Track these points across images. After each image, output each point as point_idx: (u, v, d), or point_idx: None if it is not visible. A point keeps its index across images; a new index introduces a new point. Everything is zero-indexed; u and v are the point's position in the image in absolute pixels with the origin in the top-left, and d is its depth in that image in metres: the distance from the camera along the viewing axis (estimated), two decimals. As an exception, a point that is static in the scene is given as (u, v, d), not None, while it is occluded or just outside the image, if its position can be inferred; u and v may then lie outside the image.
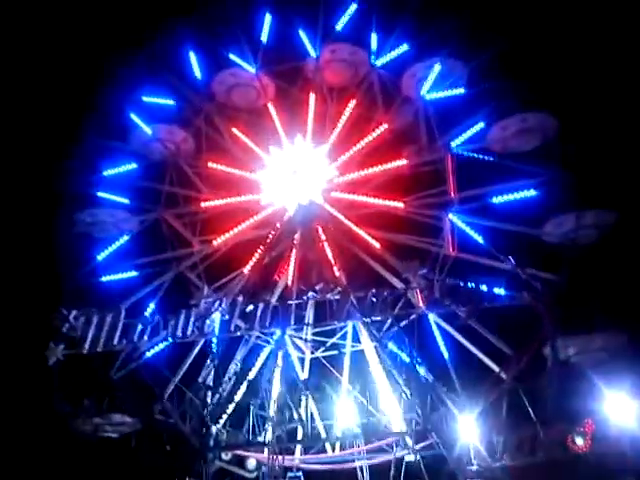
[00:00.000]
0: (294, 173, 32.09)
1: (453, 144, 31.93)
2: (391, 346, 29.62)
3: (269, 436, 27.72)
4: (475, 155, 31.45)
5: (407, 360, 28.60)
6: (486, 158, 31.20)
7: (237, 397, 29.79)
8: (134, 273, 31.97)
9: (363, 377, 30.18)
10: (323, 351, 31.40)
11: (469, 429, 26.78)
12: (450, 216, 30.85)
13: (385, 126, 32.88)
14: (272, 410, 28.08)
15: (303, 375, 30.92)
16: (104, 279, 31.58)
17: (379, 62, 33.83)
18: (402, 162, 32.09)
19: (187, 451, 28.08)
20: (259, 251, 31.79)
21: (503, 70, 31.76)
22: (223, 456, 29.29)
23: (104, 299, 30.26)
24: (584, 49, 36.30)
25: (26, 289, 32.18)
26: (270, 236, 32.02)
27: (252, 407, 28.94)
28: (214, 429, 28.42)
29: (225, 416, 29.02)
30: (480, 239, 30.36)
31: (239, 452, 29.56)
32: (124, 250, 32.37)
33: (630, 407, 25.55)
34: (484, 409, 27.49)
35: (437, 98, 32.93)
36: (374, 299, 27.64)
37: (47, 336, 27.32)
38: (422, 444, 28.17)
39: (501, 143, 31.29)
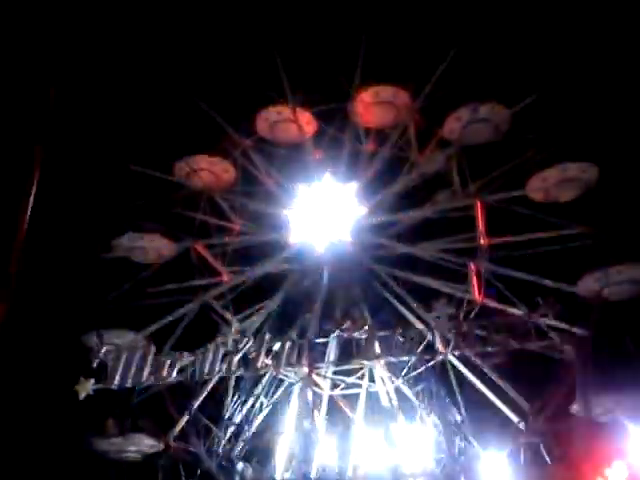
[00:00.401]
0: (324, 211, 32.43)
1: (485, 191, 32.12)
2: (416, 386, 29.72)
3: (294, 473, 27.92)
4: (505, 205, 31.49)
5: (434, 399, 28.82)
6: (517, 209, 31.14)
7: (263, 433, 30.26)
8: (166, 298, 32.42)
9: (386, 417, 29.96)
10: (343, 389, 31.50)
11: (497, 471, 26.62)
12: (477, 263, 30.86)
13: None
14: (297, 447, 28.27)
15: (321, 413, 30.92)
16: (134, 303, 32.02)
17: (419, 104, 34.12)
18: (431, 210, 32.57)
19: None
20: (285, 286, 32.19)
21: (543, 118, 32.23)
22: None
23: (133, 324, 31.10)
24: (628, 100, 36.21)
25: (58, 309, 32.88)
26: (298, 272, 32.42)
27: (277, 444, 29.18)
28: (240, 465, 28.85)
29: (251, 452, 29.51)
30: (504, 290, 30.12)
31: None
32: (157, 276, 32.99)
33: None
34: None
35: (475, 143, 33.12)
36: (401, 339, 27.77)
37: (75, 359, 28.02)
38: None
39: (542, 193, 31.38)
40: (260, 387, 31.26)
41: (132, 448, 29.50)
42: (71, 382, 28.01)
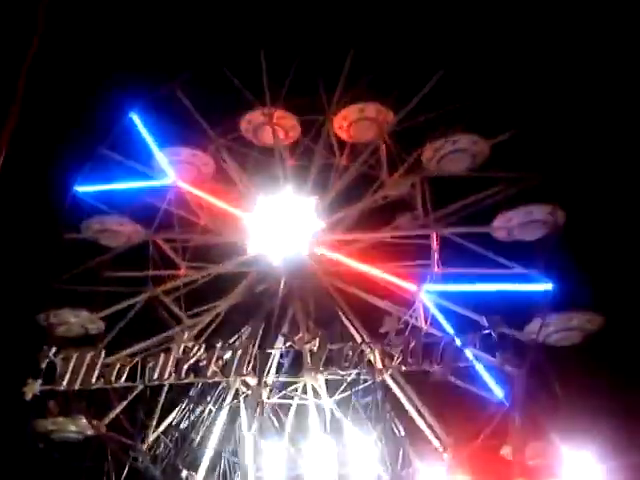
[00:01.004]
0: (284, 222, 32.82)
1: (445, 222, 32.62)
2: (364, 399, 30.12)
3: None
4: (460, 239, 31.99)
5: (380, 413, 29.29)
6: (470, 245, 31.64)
7: (210, 442, 30.50)
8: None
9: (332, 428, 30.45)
10: (287, 400, 31.98)
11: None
12: (423, 292, 31.39)
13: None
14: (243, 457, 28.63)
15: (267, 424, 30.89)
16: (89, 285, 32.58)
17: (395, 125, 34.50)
18: (389, 234, 33.31)
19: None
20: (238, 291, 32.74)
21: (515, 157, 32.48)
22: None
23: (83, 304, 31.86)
24: (598, 142, 36.72)
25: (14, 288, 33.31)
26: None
27: (224, 453, 29.77)
28: (184, 474, 29.24)
29: (198, 461, 29.77)
30: (447, 325, 30.69)
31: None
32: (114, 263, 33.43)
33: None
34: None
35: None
36: (350, 352, 28.19)
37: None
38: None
39: (505, 232, 31.92)
40: (208, 395, 31.55)
41: (73, 428, 30.21)
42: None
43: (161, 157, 34.07)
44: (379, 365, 29.11)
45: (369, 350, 29.04)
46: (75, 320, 31.81)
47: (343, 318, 32.58)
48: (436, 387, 29.80)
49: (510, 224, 31.53)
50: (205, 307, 33.04)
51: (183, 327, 31.98)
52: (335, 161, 35.26)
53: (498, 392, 29.01)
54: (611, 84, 38.14)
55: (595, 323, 29.64)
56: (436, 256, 32.42)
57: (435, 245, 32.49)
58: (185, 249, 33.88)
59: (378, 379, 29.51)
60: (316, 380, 30.29)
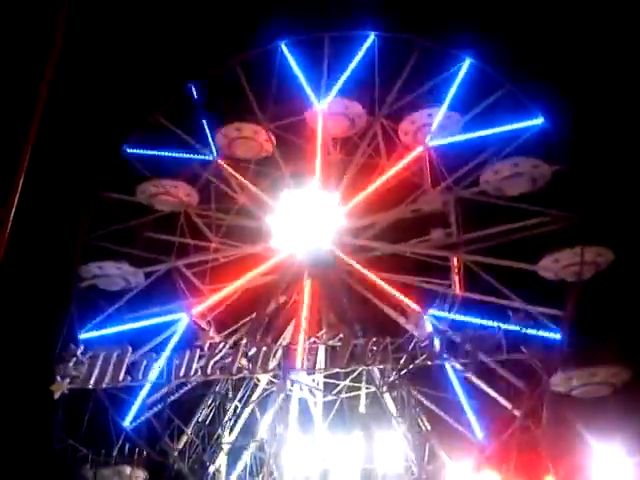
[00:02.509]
0: (303, 219, 32.56)
1: (455, 188, 32.71)
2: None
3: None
4: (476, 198, 32.12)
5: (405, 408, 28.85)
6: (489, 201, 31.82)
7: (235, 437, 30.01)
8: (145, 323, 32.20)
9: (370, 422, 29.51)
10: (333, 394, 31.41)
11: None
12: (455, 256, 31.33)
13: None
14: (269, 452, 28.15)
15: (314, 417, 30.70)
16: (113, 330, 31.72)
17: (381, 113, 34.84)
18: (406, 209, 33.04)
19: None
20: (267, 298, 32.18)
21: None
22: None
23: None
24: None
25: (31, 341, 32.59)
26: (280, 282, 32.44)
27: (250, 448, 29.07)
28: (212, 469, 28.56)
29: (224, 456, 29.19)
30: (486, 276, 30.61)
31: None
32: (134, 303, 32.77)
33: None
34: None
35: (439, 145, 33.87)
36: (374, 347, 27.52)
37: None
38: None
39: (492, 186, 31.88)
40: (236, 391, 31.13)
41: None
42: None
43: (210, 130, 34.66)
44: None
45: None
46: (118, 272, 32.22)
47: (381, 305, 32.15)
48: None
49: (497, 177, 31.56)
50: (238, 324, 32.37)
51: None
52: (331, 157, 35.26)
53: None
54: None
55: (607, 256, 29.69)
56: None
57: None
58: (219, 225, 33.93)
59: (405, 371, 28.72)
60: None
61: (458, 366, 29.56)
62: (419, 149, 33.77)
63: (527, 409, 28.32)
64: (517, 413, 28.76)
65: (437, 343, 27.60)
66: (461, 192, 32.74)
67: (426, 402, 30.28)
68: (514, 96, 32.56)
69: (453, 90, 34.02)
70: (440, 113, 33.86)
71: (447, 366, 29.48)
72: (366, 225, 33.58)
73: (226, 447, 29.90)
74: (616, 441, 25.63)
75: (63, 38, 26.85)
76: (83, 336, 30.92)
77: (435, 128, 33.99)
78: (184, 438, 29.91)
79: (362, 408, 30.69)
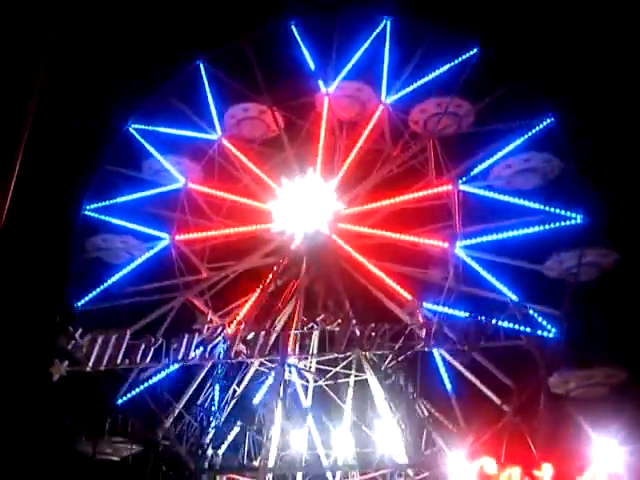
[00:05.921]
0: (304, 203, 32.49)
1: (460, 180, 32.26)
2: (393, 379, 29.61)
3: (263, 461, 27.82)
4: (481, 191, 31.79)
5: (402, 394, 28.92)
6: (492, 195, 31.52)
7: (235, 421, 30.02)
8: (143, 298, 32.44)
9: (365, 407, 30.25)
10: (326, 380, 31.44)
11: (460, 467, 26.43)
12: (455, 249, 31.14)
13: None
14: (267, 436, 28.21)
15: (306, 403, 30.84)
16: (112, 303, 32.04)
17: (389, 99, 34.53)
18: (408, 197, 32.61)
19: (183, 474, 28.26)
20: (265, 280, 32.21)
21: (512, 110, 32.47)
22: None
23: (112, 324, 30.57)
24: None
25: (35, 311, 32.69)
26: (276, 265, 32.53)
27: (249, 432, 29.10)
28: (210, 452, 28.64)
29: (223, 440, 29.26)
30: (483, 272, 30.52)
31: (234, 476, 29.70)
32: (134, 276, 32.93)
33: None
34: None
35: (446, 135, 33.56)
36: (373, 333, 27.64)
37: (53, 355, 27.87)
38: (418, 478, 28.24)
39: (504, 180, 31.74)
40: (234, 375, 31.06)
41: (111, 450, 29.50)
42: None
43: (216, 109, 34.61)
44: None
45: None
46: (122, 246, 32.63)
47: (376, 293, 32.01)
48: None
49: (508, 172, 31.37)
50: (234, 304, 32.50)
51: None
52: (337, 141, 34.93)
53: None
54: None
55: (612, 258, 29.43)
56: (457, 214, 31.96)
57: (455, 203, 31.99)
58: (220, 207, 33.99)
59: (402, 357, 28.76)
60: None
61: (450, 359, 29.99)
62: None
63: (516, 405, 28.44)
64: (506, 408, 28.89)
65: (434, 329, 27.62)
66: (464, 186, 32.29)
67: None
68: (527, 89, 31.82)
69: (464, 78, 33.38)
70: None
71: (437, 357, 29.93)
72: (366, 212, 33.32)
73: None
74: (611, 432, 25.66)
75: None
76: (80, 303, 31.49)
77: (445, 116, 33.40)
78: (181, 420, 30.17)
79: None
